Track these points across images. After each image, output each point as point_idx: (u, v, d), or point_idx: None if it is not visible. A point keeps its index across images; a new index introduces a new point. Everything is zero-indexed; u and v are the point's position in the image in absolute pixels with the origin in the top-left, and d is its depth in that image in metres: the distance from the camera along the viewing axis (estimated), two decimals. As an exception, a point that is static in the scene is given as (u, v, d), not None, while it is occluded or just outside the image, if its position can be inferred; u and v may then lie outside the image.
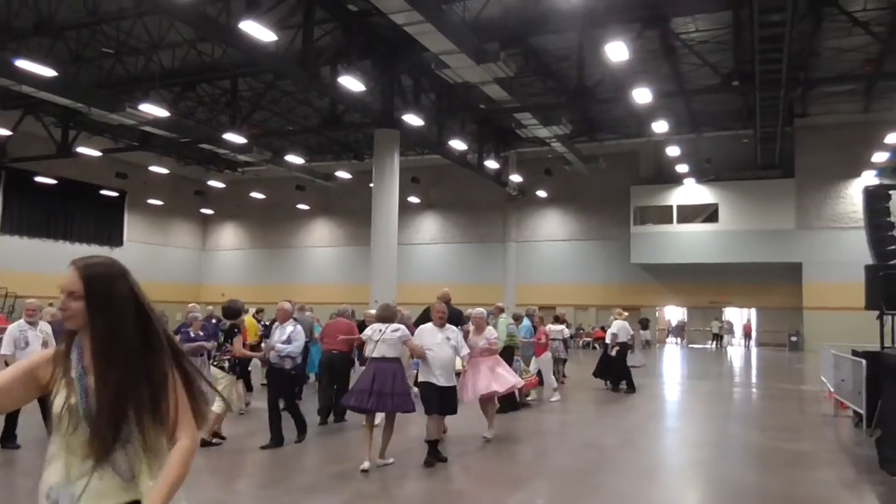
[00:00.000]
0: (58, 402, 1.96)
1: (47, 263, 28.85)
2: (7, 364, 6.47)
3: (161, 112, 22.11)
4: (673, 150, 29.21)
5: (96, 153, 28.55)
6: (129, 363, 1.94)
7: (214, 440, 7.99)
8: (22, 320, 7.67)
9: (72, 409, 1.93)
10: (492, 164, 29.70)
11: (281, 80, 23.66)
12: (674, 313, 35.80)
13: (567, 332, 15.25)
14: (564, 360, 15.06)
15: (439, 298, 8.30)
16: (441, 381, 7.11)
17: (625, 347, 13.94)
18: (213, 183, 39.03)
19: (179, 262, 41.34)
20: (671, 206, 31.59)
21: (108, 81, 23.47)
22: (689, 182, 31.13)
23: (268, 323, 11.21)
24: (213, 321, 11.85)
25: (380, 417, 7.17)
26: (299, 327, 8.19)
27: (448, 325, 7.38)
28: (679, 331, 35.63)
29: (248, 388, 11.13)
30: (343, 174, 34.62)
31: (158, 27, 20.06)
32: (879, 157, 26.58)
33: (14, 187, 31.71)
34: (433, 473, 6.82)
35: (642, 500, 6.35)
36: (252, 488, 6.53)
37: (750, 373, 21.06)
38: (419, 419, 8.12)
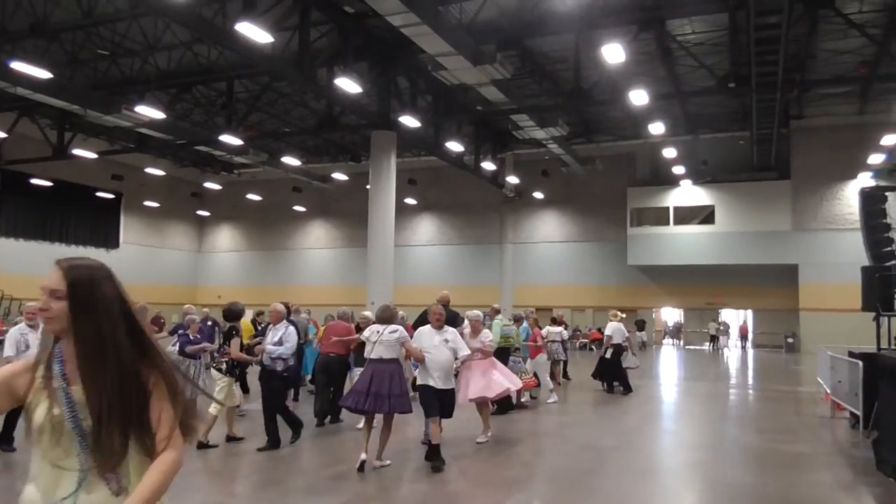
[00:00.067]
0: (39, 414, 1.83)
1: (43, 266, 27.83)
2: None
3: (157, 114, 22.09)
4: (669, 152, 29.26)
5: (92, 155, 28.50)
6: (123, 368, 1.83)
7: (229, 443, 8.08)
8: (23, 324, 7.66)
9: (55, 422, 1.81)
10: (488, 165, 29.71)
11: (277, 81, 23.63)
12: (670, 315, 35.84)
13: (566, 334, 15.26)
14: (565, 362, 15.07)
15: (438, 301, 8.29)
16: (439, 384, 7.09)
17: (619, 349, 13.95)
18: (209, 185, 38.96)
19: (176, 264, 41.24)
20: (668, 208, 31.63)
21: (103, 83, 23.45)
22: (686, 184, 31.18)
23: (262, 325, 11.18)
24: (209, 323, 11.81)
25: (378, 418, 7.15)
26: (292, 329, 8.16)
27: (446, 327, 7.35)
28: (676, 332, 35.68)
29: (245, 390, 11.10)
30: (340, 176, 34.61)
31: (154, 29, 20.03)
32: (875, 158, 26.65)
33: (9, 189, 31.59)
34: (431, 475, 6.81)
35: (639, 501, 6.35)
36: (250, 490, 6.51)
37: (746, 374, 21.08)
38: (417, 421, 8.12)
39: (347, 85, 18.09)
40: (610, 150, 31.90)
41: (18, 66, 17.44)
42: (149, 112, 21.79)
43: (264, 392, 8.08)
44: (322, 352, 10.05)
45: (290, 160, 31.09)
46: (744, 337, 32.68)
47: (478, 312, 9.09)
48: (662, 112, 25.10)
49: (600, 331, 22.60)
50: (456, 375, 7.92)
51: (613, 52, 16.65)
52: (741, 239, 29.65)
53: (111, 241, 36.54)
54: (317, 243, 40.22)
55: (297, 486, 6.56)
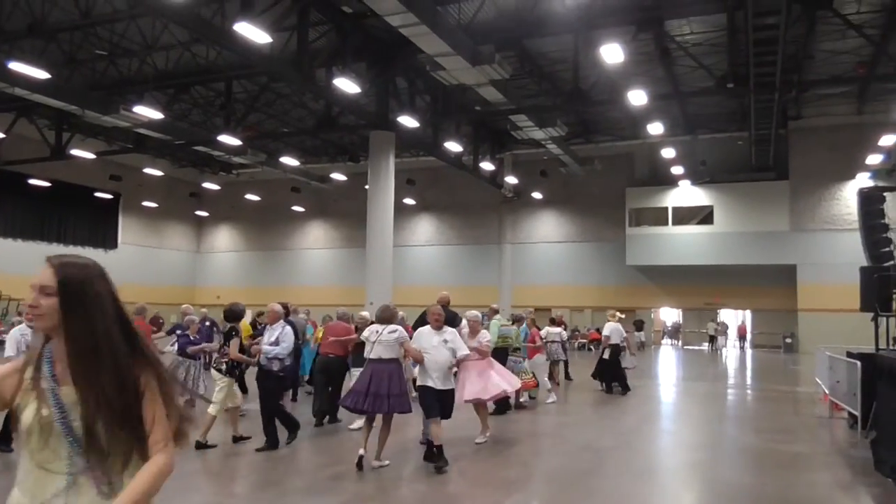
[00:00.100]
0: (27, 416, 1.78)
1: (41, 266, 28.66)
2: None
3: (155, 114, 22.06)
4: (668, 152, 29.30)
5: (90, 155, 28.46)
6: (118, 366, 1.78)
7: (236, 443, 8.07)
8: (23, 324, 7.66)
9: (44, 423, 1.77)
10: (487, 165, 29.71)
11: (276, 82, 23.62)
12: (669, 315, 35.87)
13: (565, 335, 15.26)
14: (566, 362, 15.06)
15: (438, 301, 8.29)
16: (438, 385, 7.08)
17: (616, 349, 13.95)
18: (207, 185, 38.94)
19: (174, 264, 41.22)
20: (666, 208, 31.66)
21: (101, 83, 23.43)
22: (685, 184, 31.21)
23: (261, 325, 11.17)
24: (207, 324, 11.81)
25: (378, 418, 7.14)
26: (288, 329, 8.14)
27: (445, 328, 7.34)
28: (674, 332, 35.70)
29: (243, 390, 11.08)
30: (338, 176, 34.60)
31: (152, 29, 20.01)
32: (873, 159, 26.68)
33: (7, 190, 31.56)
34: (429, 475, 6.80)
35: (638, 502, 6.34)
36: (249, 490, 6.50)
37: (745, 375, 21.09)
38: (416, 421, 8.11)
39: (346, 85, 18.08)
40: (608, 150, 31.90)
41: (16, 66, 17.40)
42: (147, 112, 21.76)
43: (261, 392, 8.08)
44: (321, 352, 10.06)
45: (289, 160, 31.08)
46: (742, 337, 32.70)
47: (476, 313, 9.09)
48: (661, 112, 25.12)
49: (599, 331, 22.60)
50: (455, 375, 7.91)
51: (612, 53, 16.66)
52: (740, 239, 29.68)
53: (109, 242, 36.50)
54: (315, 243, 40.20)
55: (296, 486, 6.55)
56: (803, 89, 23.82)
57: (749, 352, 31.11)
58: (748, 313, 32.92)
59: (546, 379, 12.60)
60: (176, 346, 10.40)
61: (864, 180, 27.11)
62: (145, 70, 22.20)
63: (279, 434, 7.98)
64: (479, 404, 8.59)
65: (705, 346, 31.98)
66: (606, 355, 14.06)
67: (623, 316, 15.25)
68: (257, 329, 10.77)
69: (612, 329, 14.08)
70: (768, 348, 30.78)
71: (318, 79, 19.00)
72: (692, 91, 23.31)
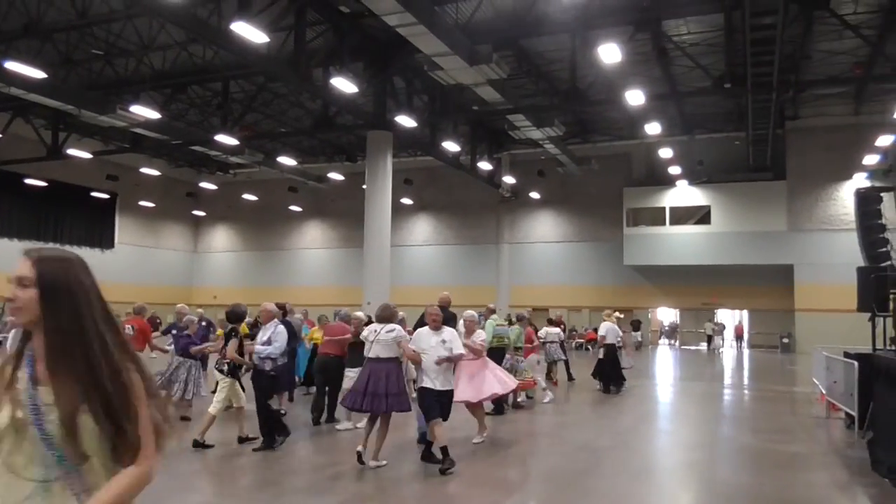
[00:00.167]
0: (1, 418, 1.70)
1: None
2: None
3: (152, 114, 22.01)
4: (665, 152, 29.32)
5: (87, 155, 28.40)
6: (108, 356, 1.71)
7: (242, 443, 7.99)
8: None
9: (17, 425, 1.68)
10: (485, 165, 29.71)
11: (273, 82, 23.59)
12: (666, 315, 35.90)
13: (563, 335, 15.28)
14: (566, 361, 15.07)
15: (439, 302, 8.29)
16: (437, 385, 7.05)
17: (612, 349, 13.97)
18: (204, 185, 38.88)
19: (171, 264, 41.15)
20: (664, 208, 31.69)
21: (98, 83, 23.37)
22: (682, 184, 31.24)
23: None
24: (203, 324, 11.78)
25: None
26: (281, 328, 8.06)
27: (444, 328, 7.32)
28: (672, 332, 35.74)
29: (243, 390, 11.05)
30: (336, 176, 34.57)
31: (149, 29, 19.97)
32: (870, 159, 26.71)
33: (4, 190, 31.48)
34: (428, 475, 6.79)
35: (635, 502, 6.35)
36: (247, 491, 6.49)
37: (742, 375, 21.12)
38: (415, 420, 8.11)
39: (343, 85, 18.06)
40: (606, 150, 31.91)
41: (12, 66, 17.36)
42: (144, 112, 21.71)
43: (255, 392, 8.03)
44: (320, 352, 10.08)
45: (286, 160, 31.03)
46: (739, 337, 32.75)
47: (472, 312, 9.09)
48: (658, 112, 25.14)
49: (596, 331, 22.59)
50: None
51: (609, 53, 16.67)
52: (737, 239, 29.72)
53: (106, 242, 36.43)
54: (313, 243, 40.16)
55: (295, 486, 6.54)
56: (800, 89, 23.86)
57: (746, 352, 31.14)
58: (745, 313, 32.95)
59: (541, 378, 12.59)
60: (173, 346, 10.36)
61: (861, 180, 27.16)
62: (142, 70, 22.16)
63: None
64: (473, 405, 8.57)
65: (702, 345, 32.02)
66: (601, 355, 14.09)
67: (621, 315, 15.27)
68: (251, 329, 10.75)
69: (608, 329, 14.11)
70: (765, 348, 30.82)
71: (315, 78, 18.98)
72: (689, 91, 23.33)
